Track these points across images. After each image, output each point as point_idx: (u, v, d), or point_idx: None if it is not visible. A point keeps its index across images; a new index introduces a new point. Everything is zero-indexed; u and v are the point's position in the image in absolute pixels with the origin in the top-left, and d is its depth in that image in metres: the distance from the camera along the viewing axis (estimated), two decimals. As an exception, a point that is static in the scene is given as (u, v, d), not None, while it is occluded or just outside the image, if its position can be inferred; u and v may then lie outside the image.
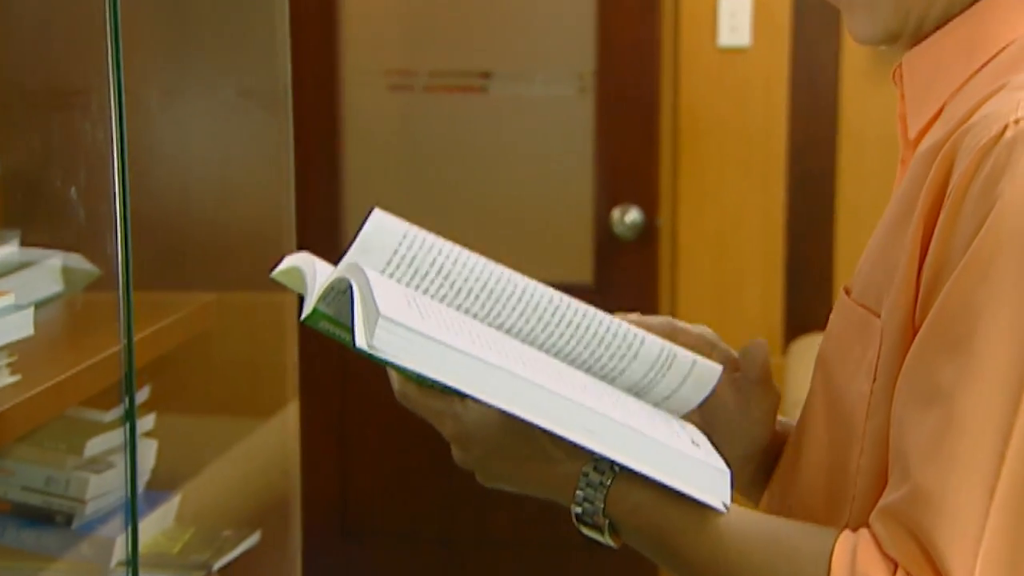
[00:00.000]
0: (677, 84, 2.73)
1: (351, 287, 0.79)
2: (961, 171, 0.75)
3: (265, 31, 1.80)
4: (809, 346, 2.64)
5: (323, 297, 0.82)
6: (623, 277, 2.75)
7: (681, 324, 0.97)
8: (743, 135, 2.72)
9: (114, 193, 1.13)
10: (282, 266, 0.89)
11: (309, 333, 0.90)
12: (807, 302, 2.77)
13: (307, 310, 0.82)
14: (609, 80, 2.71)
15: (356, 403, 2.83)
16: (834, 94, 2.71)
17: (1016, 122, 0.73)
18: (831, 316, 0.90)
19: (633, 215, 2.71)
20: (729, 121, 2.72)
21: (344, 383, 2.82)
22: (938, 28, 0.86)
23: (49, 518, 1.32)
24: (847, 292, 0.87)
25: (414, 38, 2.80)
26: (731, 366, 0.95)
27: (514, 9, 2.74)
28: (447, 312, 0.86)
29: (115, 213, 1.14)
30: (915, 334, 0.78)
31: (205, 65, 1.85)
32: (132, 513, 1.25)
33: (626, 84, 2.70)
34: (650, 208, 2.73)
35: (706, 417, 0.95)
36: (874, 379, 0.81)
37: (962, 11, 0.85)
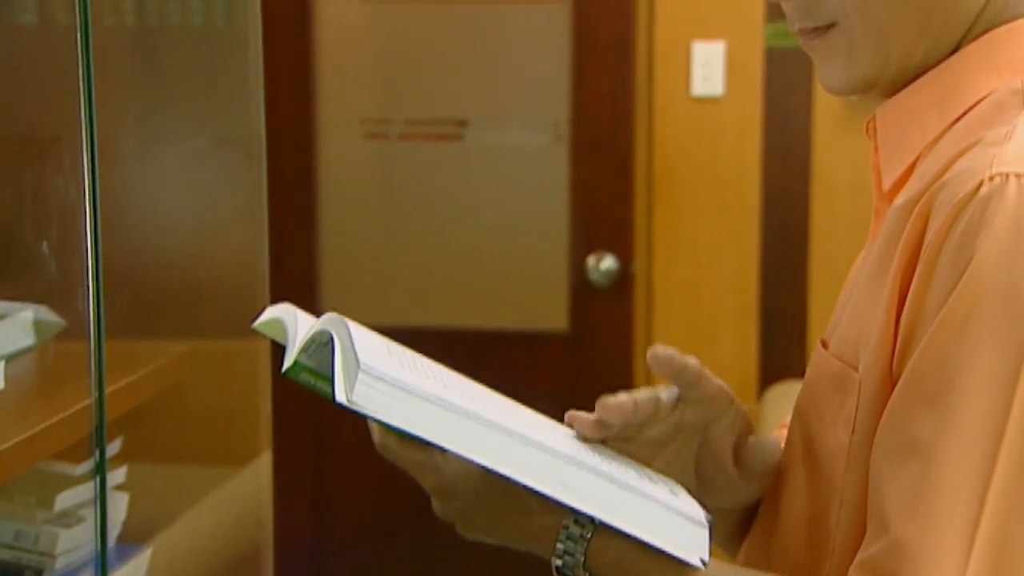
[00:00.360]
0: (651, 133, 2.75)
1: (333, 339, 0.78)
2: (937, 226, 0.75)
3: (239, 79, 1.80)
4: (783, 393, 2.64)
5: (304, 349, 0.81)
6: (598, 324, 2.75)
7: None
8: (717, 183, 2.74)
9: (86, 247, 1.12)
10: (263, 317, 0.89)
11: (283, 381, 0.89)
12: (781, 349, 2.78)
13: (288, 362, 0.81)
14: (584, 128, 2.72)
15: (331, 452, 2.81)
16: (806, 143, 2.74)
17: (991, 178, 0.74)
18: (808, 368, 0.90)
19: (608, 262, 2.72)
20: (703, 169, 2.74)
21: (318, 432, 2.80)
22: (912, 79, 0.86)
23: (19, 573, 1.30)
24: (824, 345, 0.87)
25: (390, 86, 2.81)
26: (741, 426, 0.92)
27: (490, 58, 2.76)
28: (427, 365, 0.85)
29: (87, 266, 1.13)
30: (893, 387, 0.78)
31: (180, 114, 1.85)
32: (102, 568, 1.23)
33: (601, 132, 2.72)
34: (625, 255, 2.74)
35: (700, 467, 0.93)
36: (852, 432, 0.81)
37: (937, 63, 0.86)
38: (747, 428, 0.92)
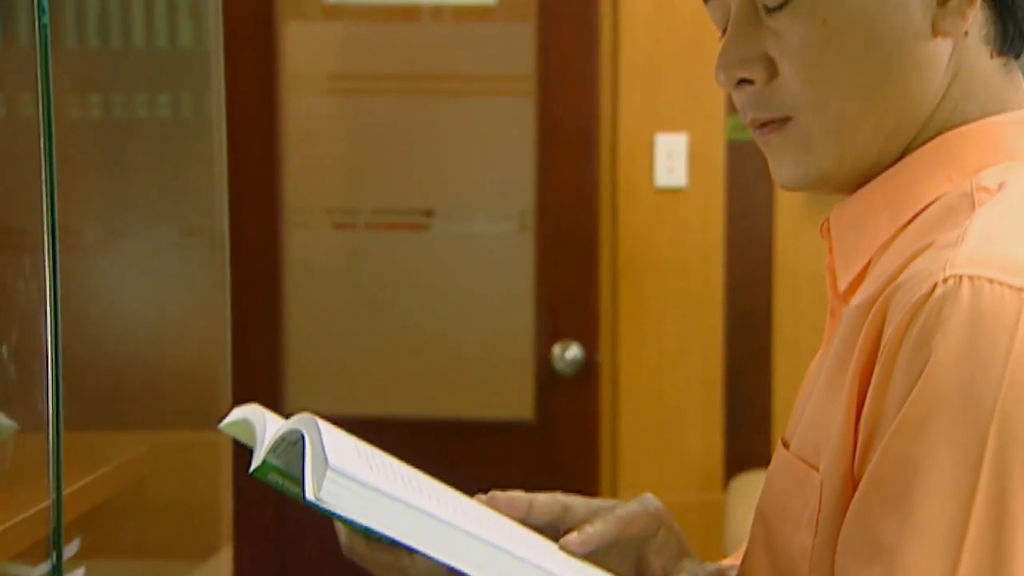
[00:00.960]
0: (616, 222, 2.77)
1: (303, 438, 0.78)
2: (893, 328, 0.76)
3: (204, 171, 1.81)
4: (749, 483, 2.63)
5: (273, 449, 0.81)
6: (564, 413, 2.75)
7: (571, 501, 0.94)
8: (681, 273, 2.76)
9: (46, 347, 1.12)
10: (230, 418, 0.88)
11: (245, 476, 0.89)
12: (747, 438, 2.78)
13: (256, 461, 0.81)
14: (549, 218, 2.74)
15: (293, 549, 2.77)
16: (769, 232, 2.77)
17: (945, 280, 0.75)
18: (769, 468, 0.90)
19: (574, 351, 2.73)
20: (667, 259, 2.76)
21: (281, 527, 2.76)
22: (865, 177, 0.88)
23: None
24: (785, 444, 0.88)
25: (356, 176, 2.83)
26: (672, 549, 0.93)
27: (456, 148, 2.78)
28: (397, 466, 0.85)
29: (47, 367, 1.12)
30: (855, 488, 0.78)
31: (144, 205, 1.85)
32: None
33: (566, 222, 2.74)
34: (590, 344, 2.74)
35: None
36: (816, 534, 0.81)
37: (890, 163, 0.87)
38: (680, 550, 0.93)
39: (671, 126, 2.74)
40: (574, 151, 2.73)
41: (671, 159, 2.75)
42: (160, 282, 1.78)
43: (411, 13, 2.80)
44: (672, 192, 2.76)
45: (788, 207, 2.74)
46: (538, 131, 2.73)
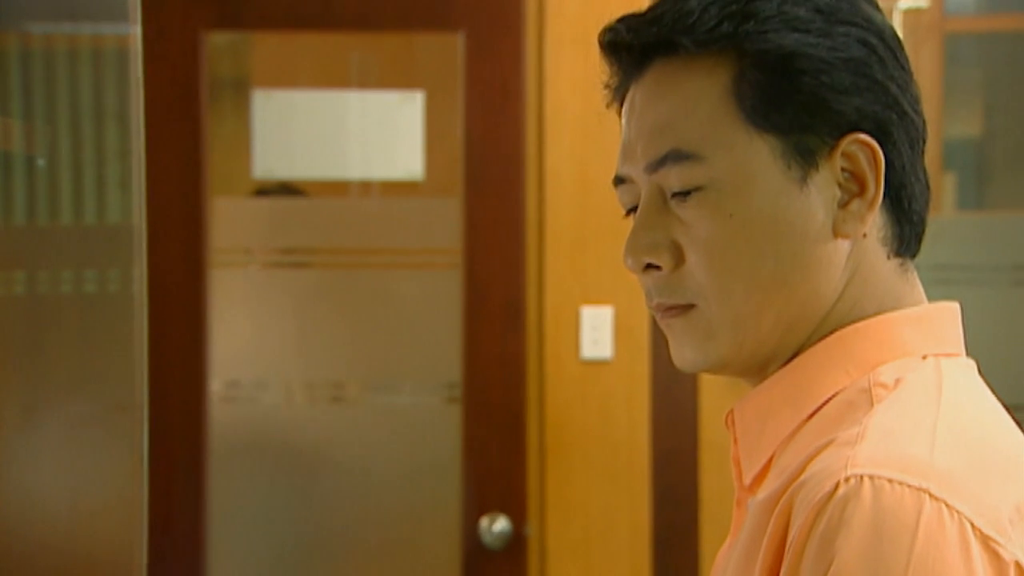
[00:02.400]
0: (543, 394, 2.79)
1: None
2: (798, 527, 0.77)
3: (125, 345, 1.80)
4: (680, 659, 2.60)
5: None
6: (492, 588, 2.71)
7: None
8: (608, 445, 2.76)
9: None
10: None
11: None
12: (676, 612, 2.75)
13: None
14: (476, 390, 2.75)
15: None
16: (694, 404, 2.79)
17: (847, 480, 0.77)
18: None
19: (501, 524, 2.70)
20: (594, 431, 2.77)
21: None
22: (764, 365, 0.90)
23: None
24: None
25: (282, 347, 2.82)
26: None
27: (383, 320, 2.80)
28: None
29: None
30: None
31: (65, 381, 1.83)
32: None
33: (493, 394, 2.75)
34: (518, 517, 2.72)
35: None
36: None
37: (789, 354, 0.90)
38: None
39: (596, 298, 2.78)
40: (501, 323, 2.75)
41: (597, 331, 2.78)
42: (76, 459, 1.75)
43: (340, 188, 2.85)
44: (598, 364, 2.78)
45: (713, 380, 2.77)
46: (465, 303, 2.76)
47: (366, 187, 2.84)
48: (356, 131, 2.78)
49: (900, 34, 1.00)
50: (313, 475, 2.77)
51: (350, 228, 2.81)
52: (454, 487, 2.74)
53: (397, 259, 2.80)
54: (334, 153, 2.79)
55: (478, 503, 2.72)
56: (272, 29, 2.75)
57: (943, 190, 3.12)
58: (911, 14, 2.80)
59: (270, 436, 2.81)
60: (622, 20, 0.92)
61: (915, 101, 0.91)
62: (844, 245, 0.89)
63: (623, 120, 0.95)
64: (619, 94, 0.95)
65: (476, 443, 2.74)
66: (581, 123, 2.79)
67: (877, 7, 0.93)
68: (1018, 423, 0.88)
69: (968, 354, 0.92)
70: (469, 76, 2.72)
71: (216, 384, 2.76)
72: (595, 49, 0.95)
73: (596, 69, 0.97)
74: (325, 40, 2.84)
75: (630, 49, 0.92)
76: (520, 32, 2.73)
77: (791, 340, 0.89)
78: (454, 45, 2.74)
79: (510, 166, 2.75)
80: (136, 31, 2.02)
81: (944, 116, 2.93)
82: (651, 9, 0.92)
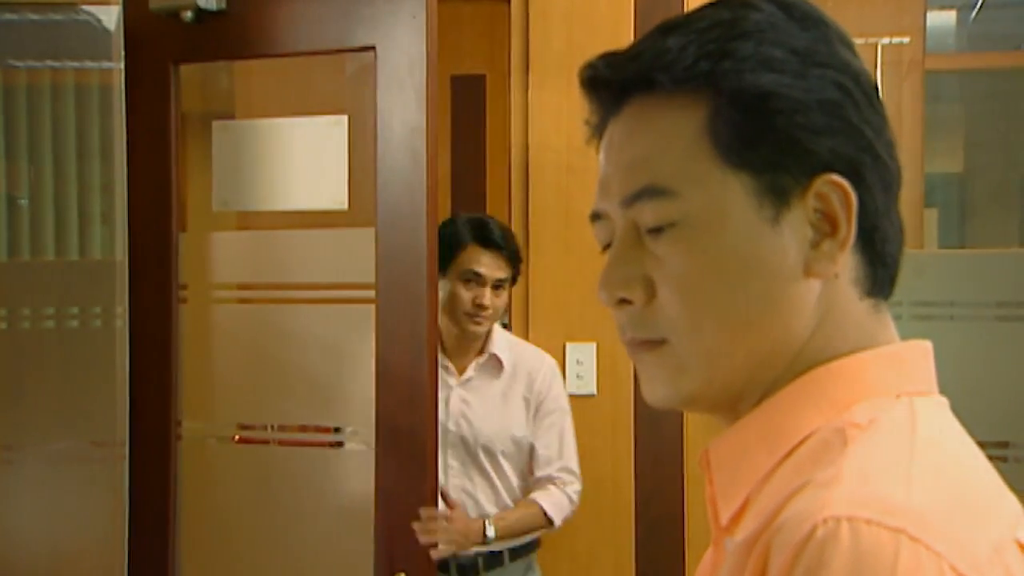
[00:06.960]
0: (527, 430, 2.77)
1: None
2: (776, 569, 0.77)
3: (107, 380, 1.80)
4: None
5: None
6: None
7: None
8: (593, 481, 2.76)
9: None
10: None
11: None
12: (662, 649, 2.74)
13: None
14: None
15: None
16: (678, 438, 2.79)
17: (824, 522, 0.76)
18: None
19: (485, 561, 2.68)
20: (580, 468, 2.76)
21: None
22: (735, 402, 0.90)
23: None
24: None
25: (260, 388, 2.78)
26: None
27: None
28: None
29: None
30: None
31: (42, 419, 1.82)
32: None
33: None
34: (502, 554, 2.70)
35: None
36: None
37: (760, 393, 0.89)
38: None
39: (580, 335, 2.78)
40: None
41: (581, 367, 2.78)
42: (58, 498, 1.74)
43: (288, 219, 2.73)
44: (582, 400, 2.78)
45: (698, 415, 2.76)
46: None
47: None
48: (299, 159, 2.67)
49: (881, 70, 1.01)
50: (288, 520, 2.70)
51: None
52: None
53: (329, 294, 2.69)
54: (280, 183, 2.67)
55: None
56: (241, 57, 2.61)
57: (925, 226, 3.14)
58: (893, 50, 2.82)
59: (246, 473, 2.76)
60: (602, 57, 0.93)
61: (889, 145, 0.92)
62: (816, 285, 0.89)
63: (601, 156, 0.95)
64: (599, 131, 0.96)
65: (460, 479, 2.72)
66: (565, 160, 2.80)
67: (854, 52, 0.93)
68: (998, 459, 0.88)
69: (950, 390, 0.92)
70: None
71: (190, 424, 2.68)
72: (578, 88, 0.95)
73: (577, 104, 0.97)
74: (292, 64, 2.67)
75: (608, 85, 0.93)
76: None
77: (762, 377, 0.89)
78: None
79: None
80: (119, 67, 2.03)
81: (926, 152, 2.95)
82: (631, 47, 0.92)
